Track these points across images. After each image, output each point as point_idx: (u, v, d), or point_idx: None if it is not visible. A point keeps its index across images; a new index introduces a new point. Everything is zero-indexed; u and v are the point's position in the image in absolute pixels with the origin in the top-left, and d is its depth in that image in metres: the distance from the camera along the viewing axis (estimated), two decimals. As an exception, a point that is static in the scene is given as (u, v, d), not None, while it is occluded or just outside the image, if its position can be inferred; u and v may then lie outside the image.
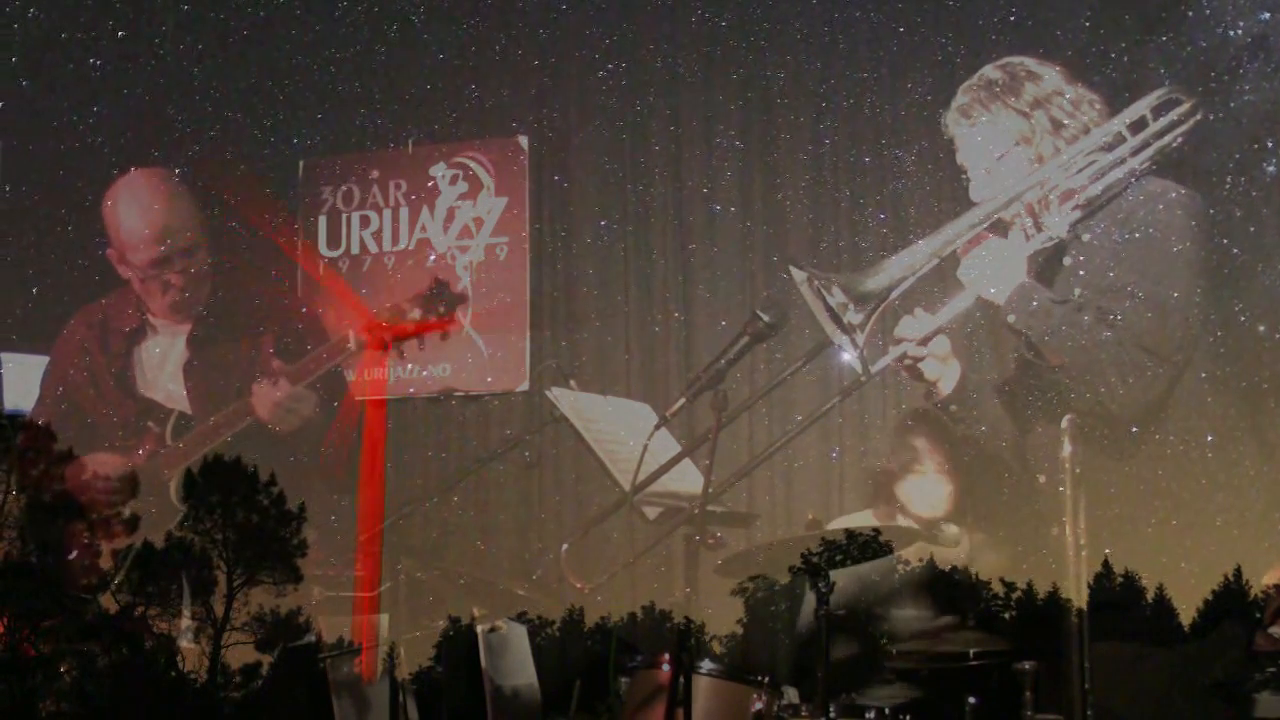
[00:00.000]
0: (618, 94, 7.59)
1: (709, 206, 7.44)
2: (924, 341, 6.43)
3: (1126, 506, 6.46)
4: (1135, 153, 6.38)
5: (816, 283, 6.13)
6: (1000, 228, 6.57)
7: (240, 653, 6.48)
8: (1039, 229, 6.49)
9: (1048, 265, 6.59)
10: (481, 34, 7.80)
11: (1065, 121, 6.52)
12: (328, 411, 7.64)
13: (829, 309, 6.11)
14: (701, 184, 7.44)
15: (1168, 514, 6.45)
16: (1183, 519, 6.43)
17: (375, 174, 7.89)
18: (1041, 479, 6.51)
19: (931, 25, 7.06)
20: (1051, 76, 6.61)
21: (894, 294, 6.26)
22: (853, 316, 6.08)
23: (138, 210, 8.03)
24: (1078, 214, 6.46)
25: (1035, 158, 6.53)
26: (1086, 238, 6.51)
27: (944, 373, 6.54)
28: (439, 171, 7.76)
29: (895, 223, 7.05)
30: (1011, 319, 6.48)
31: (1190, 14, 6.52)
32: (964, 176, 6.72)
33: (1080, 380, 6.41)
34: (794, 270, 6.35)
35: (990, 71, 6.67)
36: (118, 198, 8.07)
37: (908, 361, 6.47)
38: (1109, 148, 6.41)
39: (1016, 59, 6.69)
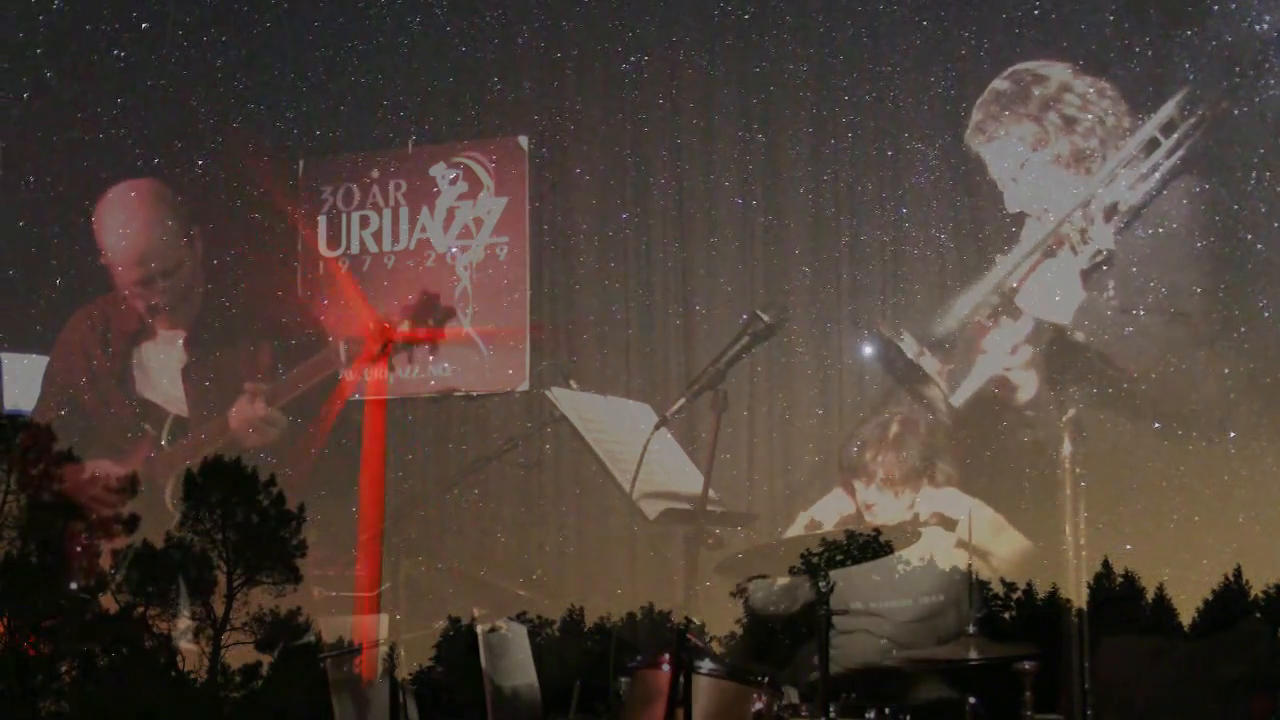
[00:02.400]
0: (640, 88, 7.53)
1: (717, 204, 7.40)
2: (1013, 350, 6.46)
3: (1149, 503, 6.44)
4: (1169, 154, 6.38)
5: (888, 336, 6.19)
6: (1048, 249, 6.58)
7: (240, 653, 6.47)
8: (1085, 242, 6.49)
9: (1093, 276, 6.58)
10: (505, 26, 7.75)
11: (1077, 116, 6.51)
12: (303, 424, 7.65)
13: (905, 359, 6.15)
14: (720, 180, 7.38)
15: (1190, 510, 6.43)
16: (1205, 515, 6.40)
17: (375, 174, 7.88)
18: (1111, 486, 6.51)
19: (955, 19, 7.02)
20: (1058, 75, 6.60)
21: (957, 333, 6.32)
22: (928, 363, 6.14)
23: (120, 231, 8.05)
24: (1122, 224, 6.47)
25: (1054, 159, 6.53)
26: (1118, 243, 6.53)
27: (1024, 381, 6.55)
28: (439, 171, 7.76)
29: (918, 216, 7.00)
30: (1079, 336, 6.47)
31: (1215, 8, 6.50)
32: (999, 190, 6.69)
33: (1157, 385, 6.40)
34: (907, 339, 6.41)
35: (998, 84, 6.69)
36: (103, 215, 8.09)
37: (1000, 373, 6.51)
38: (1143, 154, 6.42)
39: (1022, 65, 6.69)
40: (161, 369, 8.05)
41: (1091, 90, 6.56)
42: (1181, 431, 6.45)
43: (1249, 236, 6.46)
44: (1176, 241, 6.40)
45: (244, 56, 8.09)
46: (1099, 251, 6.46)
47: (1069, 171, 6.56)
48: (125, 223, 8.06)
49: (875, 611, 5.58)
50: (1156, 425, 6.47)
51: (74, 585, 6.71)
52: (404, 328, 6.96)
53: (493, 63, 7.83)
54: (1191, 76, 6.43)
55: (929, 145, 6.99)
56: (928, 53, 7.05)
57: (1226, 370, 6.41)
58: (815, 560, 4.91)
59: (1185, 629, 5.95)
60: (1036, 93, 6.57)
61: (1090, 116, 6.49)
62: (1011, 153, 6.62)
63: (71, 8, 8.35)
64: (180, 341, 8.05)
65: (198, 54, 8.14)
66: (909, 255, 6.96)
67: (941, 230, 6.82)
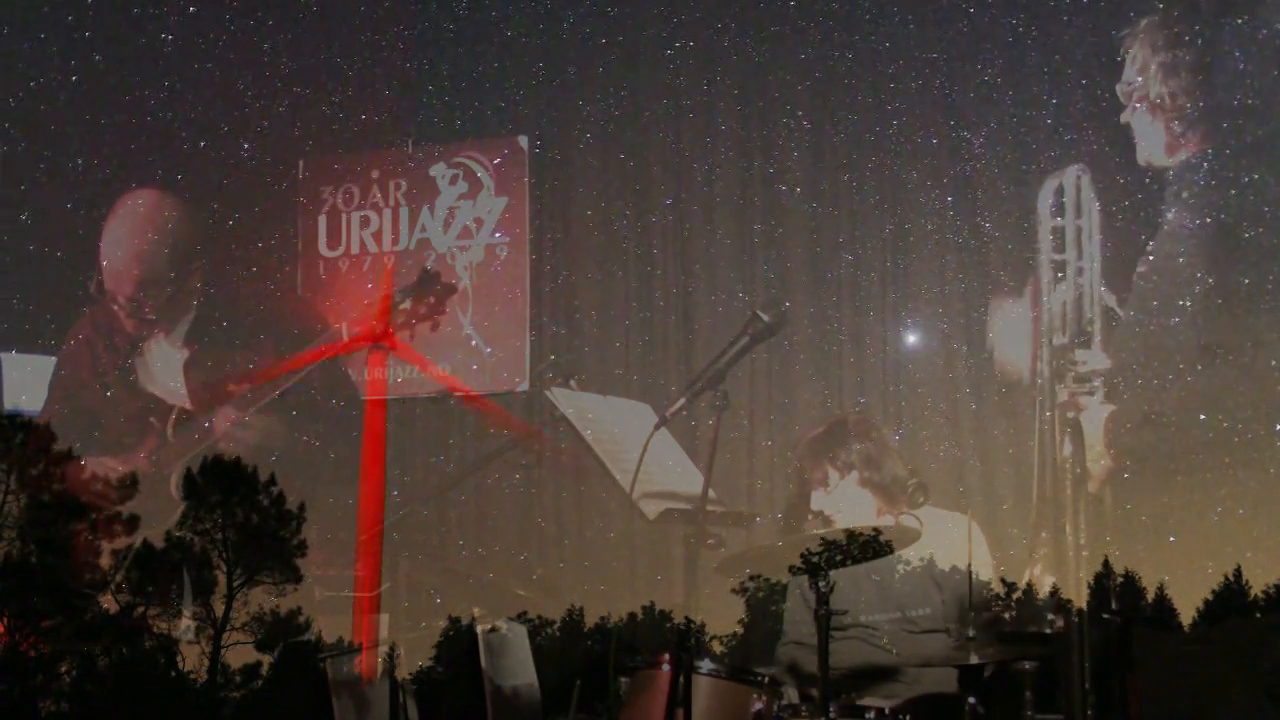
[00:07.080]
0: (684, 75, 7.50)
1: (718, 202, 7.39)
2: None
3: (1194, 494, 6.44)
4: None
5: None
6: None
7: (240, 653, 6.47)
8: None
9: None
10: (552, 10, 7.74)
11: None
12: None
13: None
14: (723, 178, 7.38)
15: (1235, 503, 6.42)
16: (1249, 506, 6.40)
17: (375, 174, 7.88)
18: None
19: (1002, 6, 7.00)
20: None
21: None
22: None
23: (120, 248, 8.04)
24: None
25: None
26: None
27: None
28: (439, 171, 7.76)
29: (962, 206, 6.99)
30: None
31: (1267, -4, 6.50)
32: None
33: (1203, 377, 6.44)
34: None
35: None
36: (107, 230, 8.07)
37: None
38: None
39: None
40: (164, 364, 8.06)
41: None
42: (1228, 424, 6.43)
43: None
44: (1224, 233, 6.40)
45: (290, 40, 8.07)
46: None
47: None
48: (126, 240, 8.06)
49: (866, 623, 5.57)
50: (1202, 417, 6.46)
51: (74, 585, 6.70)
52: (404, 306, 6.99)
53: (493, 62, 7.83)
54: (1242, 65, 6.43)
55: (974, 134, 6.97)
56: (975, 40, 7.02)
57: (1274, 362, 6.40)
58: (815, 560, 4.91)
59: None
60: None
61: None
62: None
63: (119, -9, 8.38)
64: (179, 341, 8.07)
65: (244, 38, 8.12)
66: (954, 244, 6.96)
67: (986, 219, 6.82)
